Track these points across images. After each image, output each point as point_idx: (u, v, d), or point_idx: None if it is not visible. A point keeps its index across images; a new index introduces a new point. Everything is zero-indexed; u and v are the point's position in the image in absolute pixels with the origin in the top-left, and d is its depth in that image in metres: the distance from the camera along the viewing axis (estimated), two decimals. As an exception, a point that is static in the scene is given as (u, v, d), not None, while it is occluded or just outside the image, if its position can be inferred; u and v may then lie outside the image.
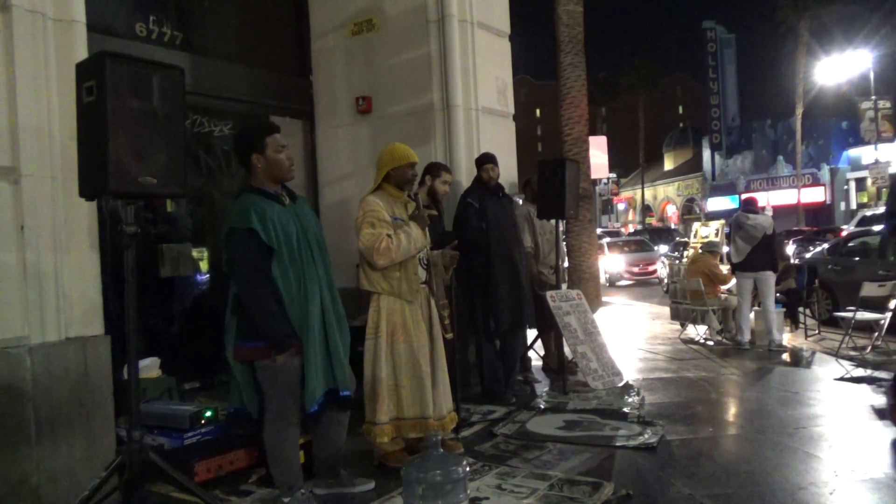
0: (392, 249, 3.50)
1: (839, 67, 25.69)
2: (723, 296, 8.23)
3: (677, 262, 13.51)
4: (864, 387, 5.39)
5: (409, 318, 3.63)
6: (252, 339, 2.99)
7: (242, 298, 2.97)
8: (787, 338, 7.91)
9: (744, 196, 9.39)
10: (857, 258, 9.42)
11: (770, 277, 7.29)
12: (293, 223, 3.06)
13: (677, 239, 21.37)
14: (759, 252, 7.23)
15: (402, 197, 3.73)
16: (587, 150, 11.61)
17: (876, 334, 6.74)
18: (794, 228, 21.17)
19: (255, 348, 2.99)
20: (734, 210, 13.37)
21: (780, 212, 25.92)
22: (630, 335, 8.71)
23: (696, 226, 14.21)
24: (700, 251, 9.34)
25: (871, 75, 24.27)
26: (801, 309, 8.89)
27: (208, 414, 3.90)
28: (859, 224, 14.69)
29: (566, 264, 11.02)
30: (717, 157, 38.52)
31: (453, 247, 3.99)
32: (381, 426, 3.57)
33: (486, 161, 5.26)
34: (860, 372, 5.85)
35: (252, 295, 2.94)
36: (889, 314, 6.64)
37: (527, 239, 5.84)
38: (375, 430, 3.58)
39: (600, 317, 9.39)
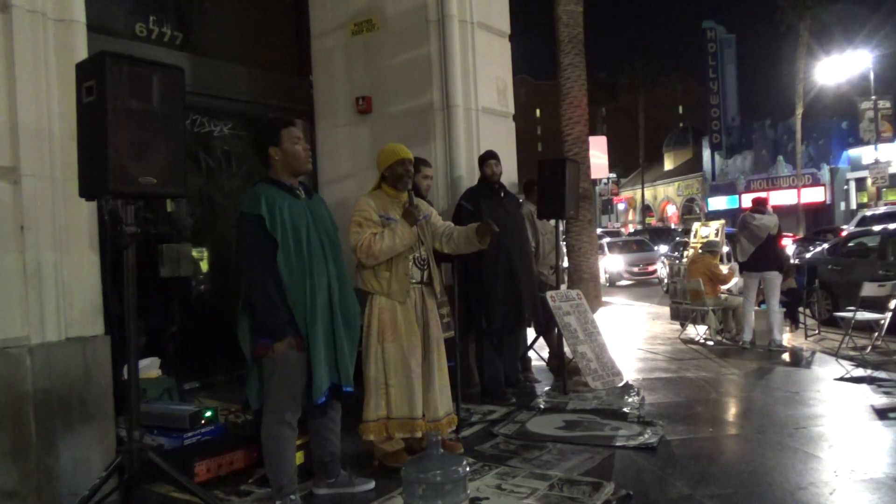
0: (375, 248, 3.51)
1: (839, 67, 25.66)
2: (723, 296, 8.24)
3: (677, 262, 13.51)
4: (864, 387, 5.39)
5: (399, 318, 3.62)
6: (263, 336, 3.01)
7: (246, 283, 3.02)
8: (787, 338, 7.91)
9: (753, 196, 9.37)
10: (856, 258, 9.42)
11: (776, 278, 7.29)
12: (305, 216, 3.09)
13: (677, 239, 21.34)
14: (763, 252, 7.23)
15: (399, 196, 3.71)
16: (587, 150, 11.60)
17: (876, 334, 6.73)
18: (791, 234, 20.97)
19: (262, 344, 2.99)
20: (734, 210, 13.37)
21: (780, 212, 25.87)
22: (630, 335, 8.71)
23: (695, 226, 14.20)
24: (700, 251, 9.34)
25: (871, 75, 24.26)
26: (801, 309, 8.89)
27: (208, 414, 3.91)
28: (859, 224, 14.67)
29: (566, 264, 11.02)
30: (717, 157, 38.50)
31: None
32: (367, 423, 3.60)
33: (488, 157, 5.25)
34: (860, 372, 5.85)
35: (255, 280, 2.98)
36: (889, 314, 6.64)
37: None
38: (361, 427, 3.61)
39: (600, 317, 9.38)
